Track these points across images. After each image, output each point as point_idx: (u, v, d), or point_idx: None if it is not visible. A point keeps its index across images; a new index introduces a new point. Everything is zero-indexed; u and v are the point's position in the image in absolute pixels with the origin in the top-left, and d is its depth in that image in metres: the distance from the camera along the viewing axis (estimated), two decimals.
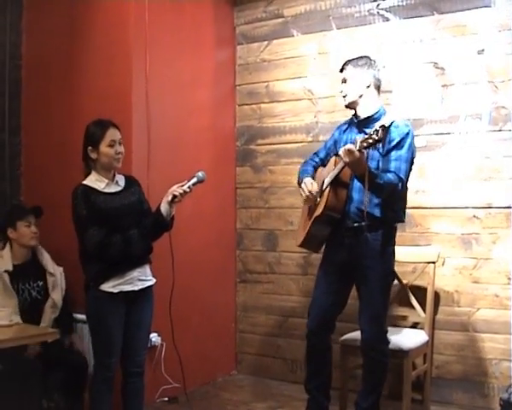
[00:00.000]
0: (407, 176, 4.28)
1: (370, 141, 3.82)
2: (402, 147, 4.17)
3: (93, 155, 4.02)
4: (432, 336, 4.99)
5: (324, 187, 4.32)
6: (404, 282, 5.05)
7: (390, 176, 4.15)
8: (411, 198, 5.17)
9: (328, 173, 4.34)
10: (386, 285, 4.39)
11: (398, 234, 4.83)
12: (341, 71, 4.47)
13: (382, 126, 3.79)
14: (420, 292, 5.00)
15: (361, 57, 4.45)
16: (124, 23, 5.14)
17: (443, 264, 5.14)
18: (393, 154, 4.17)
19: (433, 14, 5.21)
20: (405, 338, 4.67)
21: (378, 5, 5.45)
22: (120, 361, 4.11)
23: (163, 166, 5.21)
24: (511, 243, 4.89)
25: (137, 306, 4.09)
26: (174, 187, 4.05)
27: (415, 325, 5.09)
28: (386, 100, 5.34)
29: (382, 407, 4.58)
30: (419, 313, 4.96)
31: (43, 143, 5.55)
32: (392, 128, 4.11)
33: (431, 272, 4.94)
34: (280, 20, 5.97)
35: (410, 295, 5.02)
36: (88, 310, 4.10)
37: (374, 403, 4.43)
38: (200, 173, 4.10)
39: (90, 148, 4.02)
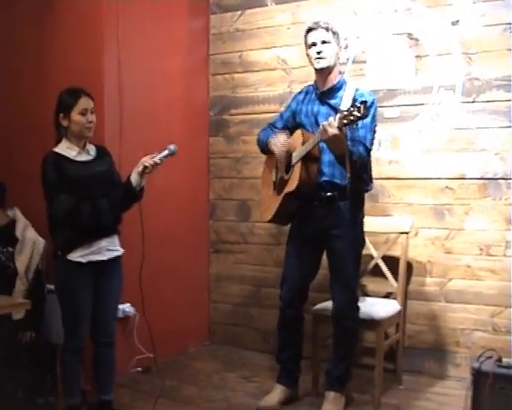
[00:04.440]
0: (372, 145, 4.31)
1: (352, 118, 3.79)
2: (367, 115, 4.02)
3: (64, 123, 3.97)
4: (404, 306, 5.01)
5: (294, 162, 4.31)
6: (377, 252, 5.07)
7: (360, 148, 4.15)
8: (384, 169, 5.22)
9: (294, 148, 4.33)
10: (358, 253, 4.43)
11: (371, 205, 4.87)
12: (317, 29, 4.35)
13: (363, 103, 3.78)
14: (392, 262, 5.02)
15: (331, 25, 4.40)
16: None
17: (416, 234, 5.17)
18: (360, 122, 4.06)
19: None
20: (378, 308, 4.68)
21: None
22: (90, 332, 4.11)
23: (135, 135, 5.16)
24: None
25: (106, 276, 4.08)
26: (145, 158, 4.03)
27: (387, 295, 5.12)
28: (360, 70, 5.37)
29: (355, 376, 4.61)
30: (392, 284, 4.98)
31: (11, 113, 5.45)
32: (356, 96, 4.16)
33: (404, 242, 4.95)
34: None
35: (383, 265, 5.04)
36: (56, 281, 4.07)
37: (345, 371, 4.47)
38: (171, 146, 4.08)
39: (61, 115, 3.97)
